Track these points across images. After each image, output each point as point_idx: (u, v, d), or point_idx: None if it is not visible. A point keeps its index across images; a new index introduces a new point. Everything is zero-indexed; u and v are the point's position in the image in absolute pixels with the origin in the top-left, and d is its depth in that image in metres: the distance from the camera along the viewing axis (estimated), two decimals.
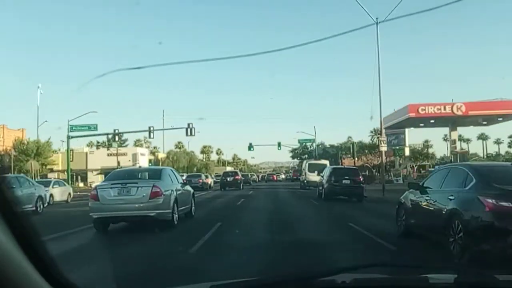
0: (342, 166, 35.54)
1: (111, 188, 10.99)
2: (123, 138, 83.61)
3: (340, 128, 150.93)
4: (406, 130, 43.36)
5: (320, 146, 73.14)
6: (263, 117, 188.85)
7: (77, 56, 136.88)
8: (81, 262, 6.93)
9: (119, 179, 11.46)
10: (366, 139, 70.01)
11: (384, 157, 28.39)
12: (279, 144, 63.61)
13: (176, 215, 11.58)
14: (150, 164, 54.56)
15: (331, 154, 70.24)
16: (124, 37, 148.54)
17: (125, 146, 73.39)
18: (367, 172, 50.69)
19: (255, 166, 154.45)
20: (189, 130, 42.83)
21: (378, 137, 26.60)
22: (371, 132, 66.60)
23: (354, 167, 32.95)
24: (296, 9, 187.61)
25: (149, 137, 42.48)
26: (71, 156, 44.58)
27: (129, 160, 61.19)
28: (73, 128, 43.58)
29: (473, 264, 6.35)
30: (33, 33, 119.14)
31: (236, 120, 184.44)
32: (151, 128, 42.80)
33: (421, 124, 45.30)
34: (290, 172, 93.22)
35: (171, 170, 13.49)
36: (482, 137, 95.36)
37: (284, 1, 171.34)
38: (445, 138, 72.56)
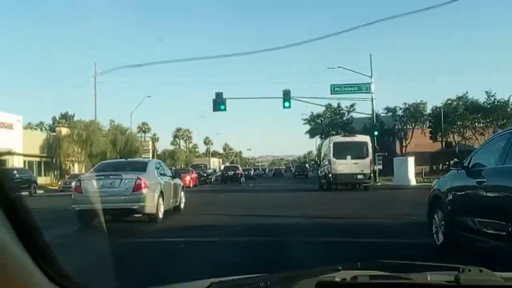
0: None
1: (94, 179, 10.89)
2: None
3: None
4: None
5: (376, 112, 34.46)
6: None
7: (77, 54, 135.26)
8: None
9: (104, 171, 11.39)
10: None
11: None
12: (285, 95, 29.61)
13: (162, 209, 11.41)
14: None
15: (387, 129, 41.39)
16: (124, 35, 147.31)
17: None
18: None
19: (251, 159, 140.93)
20: None
21: None
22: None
23: None
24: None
25: None
26: None
27: None
28: None
29: (475, 262, 6.12)
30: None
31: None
32: None
33: None
34: (291, 168, 74.64)
35: (159, 162, 13.50)
36: None
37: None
38: None
